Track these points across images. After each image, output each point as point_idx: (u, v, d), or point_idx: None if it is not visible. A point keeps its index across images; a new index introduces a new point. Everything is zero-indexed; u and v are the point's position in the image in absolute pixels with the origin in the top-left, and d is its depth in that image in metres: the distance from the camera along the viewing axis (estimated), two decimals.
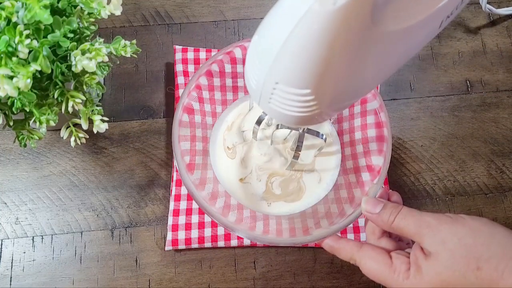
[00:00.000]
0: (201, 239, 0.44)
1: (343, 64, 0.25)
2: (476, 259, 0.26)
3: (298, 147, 0.42)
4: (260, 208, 0.44)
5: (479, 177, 0.49)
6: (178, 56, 0.50)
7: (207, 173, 0.44)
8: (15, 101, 0.33)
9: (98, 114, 0.36)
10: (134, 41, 0.38)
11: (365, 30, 0.23)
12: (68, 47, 0.33)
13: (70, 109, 0.35)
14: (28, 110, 0.34)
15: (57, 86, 0.34)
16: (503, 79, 0.53)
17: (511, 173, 0.50)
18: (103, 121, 0.36)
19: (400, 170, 0.49)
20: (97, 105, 0.37)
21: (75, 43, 0.33)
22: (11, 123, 0.35)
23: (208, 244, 0.44)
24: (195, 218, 0.45)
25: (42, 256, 0.44)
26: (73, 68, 0.33)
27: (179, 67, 0.50)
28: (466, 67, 0.54)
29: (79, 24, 0.35)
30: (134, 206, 0.46)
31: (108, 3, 0.36)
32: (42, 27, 0.31)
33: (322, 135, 0.43)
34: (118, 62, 0.40)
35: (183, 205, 0.45)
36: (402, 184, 0.49)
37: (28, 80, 0.29)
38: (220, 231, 0.44)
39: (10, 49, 0.29)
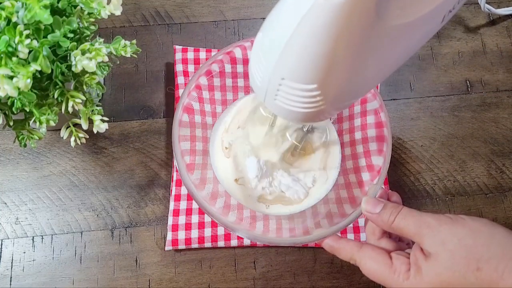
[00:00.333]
0: (201, 239, 0.44)
1: (348, 58, 0.25)
2: (476, 259, 0.26)
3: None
4: (259, 209, 0.44)
5: (479, 177, 0.49)
6: (178, 56, 0.50)
7: (207, 173, 0.44)
8: (15, 101, 0.33)
9: (98, 114, 0.36)
10: (134, 41, 0.38)
11: (370, 24, 0.23)
12: (68, 47, 0.33)
13: (70, 109, 0.35)
14: (28, 110, 0.34)
15: (57, 86, 0.34)
16: (503, 79, 0.53)
17: (511, 173, 0.50)
18: (103, 121, 0.36)
19: (400, 170, 0.49)
20: (97, 105, 0.37)
21: (75, 43, 0.33)
22: (11, 123, 0.35)
23: (208, 244, 0.44)
24: (195, 218, 0.45)
25: (42, 256, 0.44)
26: (73, 68, 0.33)
27: (179, 67, 0.50)
28: (466, 67, 0.54)
29: (79, 24, 0.35)
30: (134, 206, 0.46)
31: (108, 3, 0.36)
32: (42, 27, 0.31)
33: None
34: (118, 62, 0.40)
35: (183, 205, 0.45)
36: (402, 184, 0.49)
37: (28, 80, 0.29)
38: (220, 231, 0.44)
39: (10, 49, 0.29)
